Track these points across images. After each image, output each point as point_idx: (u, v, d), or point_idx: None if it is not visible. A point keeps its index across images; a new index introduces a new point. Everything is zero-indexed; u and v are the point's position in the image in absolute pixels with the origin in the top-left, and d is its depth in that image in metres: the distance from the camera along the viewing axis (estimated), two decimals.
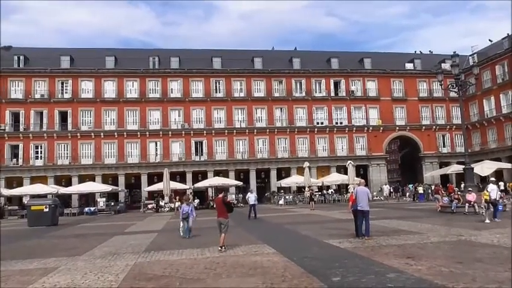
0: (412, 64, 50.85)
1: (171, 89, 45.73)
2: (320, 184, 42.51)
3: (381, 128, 48.37)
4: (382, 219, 17.73)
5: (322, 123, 47.43)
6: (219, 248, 10.45)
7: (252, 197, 22.94)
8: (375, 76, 49.40)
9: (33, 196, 34.25)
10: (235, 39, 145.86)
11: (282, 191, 42.81)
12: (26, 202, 31.34)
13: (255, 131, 45.93)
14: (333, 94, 48.21)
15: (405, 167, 57.45)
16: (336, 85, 48.78)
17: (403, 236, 11.99)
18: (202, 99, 45.63)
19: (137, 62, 45.28)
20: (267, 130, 46.13)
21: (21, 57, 44.16)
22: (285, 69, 47.91)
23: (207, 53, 48.34)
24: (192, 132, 44.93)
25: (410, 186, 42.38)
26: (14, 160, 42.30)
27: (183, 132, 44.78)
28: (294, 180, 41.99)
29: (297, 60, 48.88)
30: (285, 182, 42.34)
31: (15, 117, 43.01)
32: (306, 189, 36.65)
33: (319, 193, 41.07)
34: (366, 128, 48.08)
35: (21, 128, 42.58)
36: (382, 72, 49.28)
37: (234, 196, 38.88)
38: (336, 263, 8.23)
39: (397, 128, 48.88)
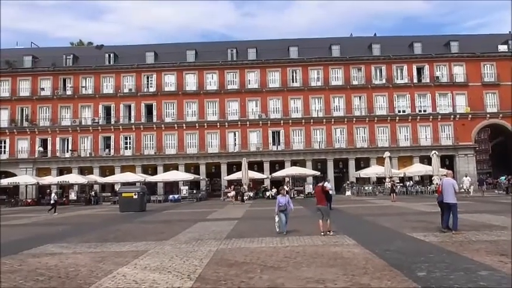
0: (506, 46, 46.53)
1: (249, 80, 46.48)
2: (402, 175, 40.87)
3: (470, 116, 45.07)
4: (471, 212, 16.66)
5: (404, 111, 45.40)
6: (327, 233, 11.23)
7: (328, 187, 22.69)
8: (462, 60, 46.08)
9: (123, 184, 36.89)
10: (313, 28, 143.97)
11: (349, 182, 41.42)
12: (117, 189, 33.86)
13: (333, 120, 45.18)
14: (415, 80, 45.86)
15: (497, 157, 53.21)
16: (419, 71, 46.31)
17: (495, 232, 11.17)
18: (279, 89, 45.84)
19: (216, 55, 46.59)
20: (345, 119, 45.16)
21: (111, 54, 47.72)
22: (363, 56, 46.43)
23: (284, 43, 48.22)
24: (269, 122, 45.37)
25: (503, 178, 39.08)
26: (107, 150, 45.96)
27: (261, 122, 45.36)
28: (373, 170, 40.77)
29: (377, 47, 47.05)
30: (364, 173, 41.34)
31: (107, 110, 46.58)
32: (387, 180, 35.48)
33: (401, 184, 39.60)
34: (452, 116, 45.15)
35: (112, 120, 46.04)
36: (471, 55, 45.80)
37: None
38: (420, 257, 7.89)
39: (488, 115, 45.26)
